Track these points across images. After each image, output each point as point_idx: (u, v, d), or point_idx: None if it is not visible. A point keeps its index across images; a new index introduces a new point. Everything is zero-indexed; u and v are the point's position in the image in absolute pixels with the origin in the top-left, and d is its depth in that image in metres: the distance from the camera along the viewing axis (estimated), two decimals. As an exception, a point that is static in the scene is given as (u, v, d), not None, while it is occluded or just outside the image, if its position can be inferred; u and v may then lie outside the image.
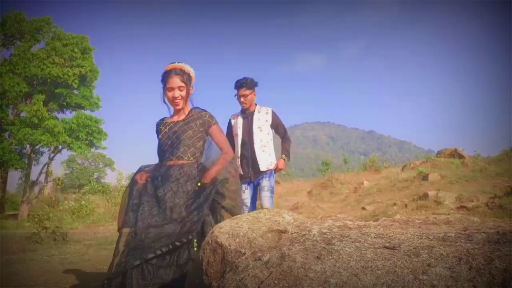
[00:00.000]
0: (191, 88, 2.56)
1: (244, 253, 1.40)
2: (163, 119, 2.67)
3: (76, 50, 16.55)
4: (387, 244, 1.37)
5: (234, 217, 1.70)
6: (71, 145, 16.61)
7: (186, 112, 2.58)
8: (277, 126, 4.04)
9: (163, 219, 2.20)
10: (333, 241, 1.40)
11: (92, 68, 17.14)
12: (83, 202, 10.84)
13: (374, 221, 2.31)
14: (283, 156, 3.96)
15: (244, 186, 3.87)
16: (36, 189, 18.55)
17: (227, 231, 1.51)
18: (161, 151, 2.52)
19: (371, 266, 1.12)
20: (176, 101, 2.50)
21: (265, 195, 3.83)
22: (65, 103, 17.50)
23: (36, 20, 17.23)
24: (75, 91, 17.54)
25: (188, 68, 2.56)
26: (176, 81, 2.48)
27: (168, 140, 2.49)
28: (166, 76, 2.51)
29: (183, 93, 2.51)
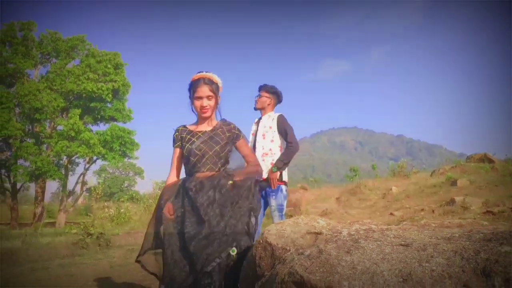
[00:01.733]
0: (218, 98, 2.57)
1: (289, 250, 1.80)
2: (184, 126, 2.63)
3: (109, 66, 17.50)
4: (402, 242, 1.74)
5: (278, 222, 2.10)
6: (106, 156, 17.49)
7: (213, 123, 2.59)
8: (282, 132, 3.85)
9: (209, 230, 2.21)
10: (359, 240, 1.78)
11: (124, 82, 18.08)
12: (122, 210, 11.49)
13: (396, 225, 2.67)
14: (273, 167, 3.69)
15: None
16: (73, 198, 19.52)
17: (274, 233, 1.92)
18: (190, 162, 2.49)
19: (388, 257, 1.50)
20: (205, 110, 2.50)
21: (274, 215, 3.68)
22: (99, 116, 18.42)
23: (71, 39, 18.32)
24: (109, 105, 18.45)
25: (216, 78, 2.57)
26: (205, 90, 2.49)
27: (199, 150, 2.46)
28: (194, 85, 2.52)
29: (212, 102, 2.51)
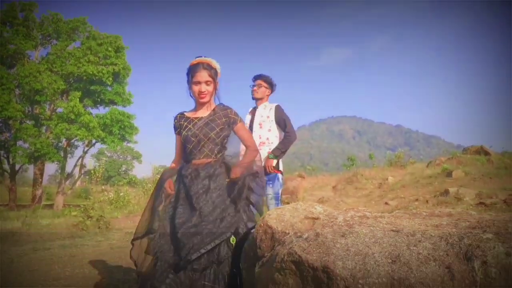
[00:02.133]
0: (217, 83, 2.56)
1: (288, 233, 1.93)
2: (182, 113, 2.63)
3: (110, 49, 17.47)
4: (393, 228, 1.87)
5: (278, 207, 2.22)
6: (105, 139, 17.54)
7: (211, 108, 2.57)
8: (280, 122, 3.93)
9: (200, 218, 2.23)
10: (353, 226, 1.91)
11: (125, 66, 18.07)
12: (122, 194, 11.64)
13: (389, 213, 2.80)
14: (270, 154, 3.80)
15: None
16: (70, 181, 19.65)
17: (275, 217, 2.05)
18: (187, 149, 2.50)
19: (379, 241, 1.63)
20: (203, 95, 2.49)
21: (271, 203, 3.77)
22: (99, 99, 18.44)
23: (72, 21, 18.26)
24: (109, 88, 18.44)
25: (215, 63, 2.55)
26: (203, 75, 2.48)
27: (195, 137, 2.46)
28: (192, 70, 2.51)
29: (210, 88, 2.51)
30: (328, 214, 2.28)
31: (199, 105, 2.59)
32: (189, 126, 2.52)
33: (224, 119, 2.53)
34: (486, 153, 12.98)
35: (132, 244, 2.49)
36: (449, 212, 2.68)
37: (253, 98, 4.09)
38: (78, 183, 23.89)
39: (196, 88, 2.51)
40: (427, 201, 7.34)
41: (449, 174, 10.64)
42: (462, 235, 1.60)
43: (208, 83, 2.51)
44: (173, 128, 2.66)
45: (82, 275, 4.08)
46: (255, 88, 4.02)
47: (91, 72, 16.99)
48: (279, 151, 3.79)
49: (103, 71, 17.25)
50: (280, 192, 3.86)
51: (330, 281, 1.42)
